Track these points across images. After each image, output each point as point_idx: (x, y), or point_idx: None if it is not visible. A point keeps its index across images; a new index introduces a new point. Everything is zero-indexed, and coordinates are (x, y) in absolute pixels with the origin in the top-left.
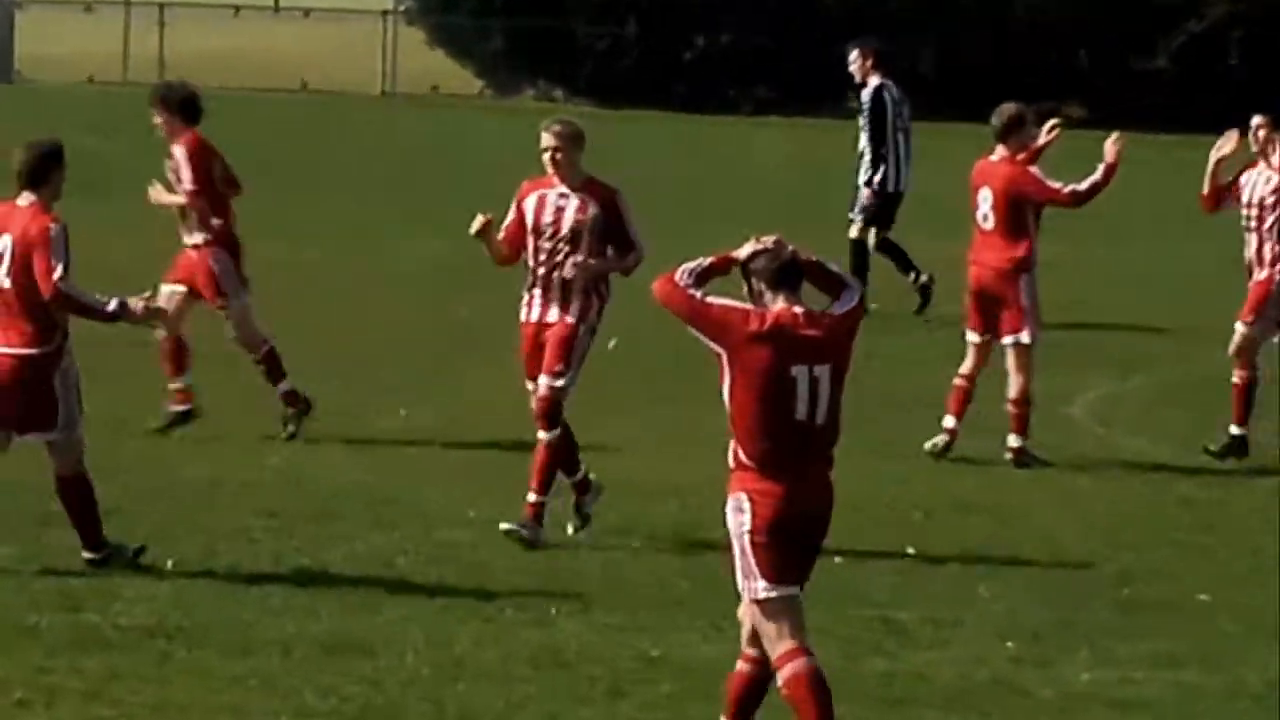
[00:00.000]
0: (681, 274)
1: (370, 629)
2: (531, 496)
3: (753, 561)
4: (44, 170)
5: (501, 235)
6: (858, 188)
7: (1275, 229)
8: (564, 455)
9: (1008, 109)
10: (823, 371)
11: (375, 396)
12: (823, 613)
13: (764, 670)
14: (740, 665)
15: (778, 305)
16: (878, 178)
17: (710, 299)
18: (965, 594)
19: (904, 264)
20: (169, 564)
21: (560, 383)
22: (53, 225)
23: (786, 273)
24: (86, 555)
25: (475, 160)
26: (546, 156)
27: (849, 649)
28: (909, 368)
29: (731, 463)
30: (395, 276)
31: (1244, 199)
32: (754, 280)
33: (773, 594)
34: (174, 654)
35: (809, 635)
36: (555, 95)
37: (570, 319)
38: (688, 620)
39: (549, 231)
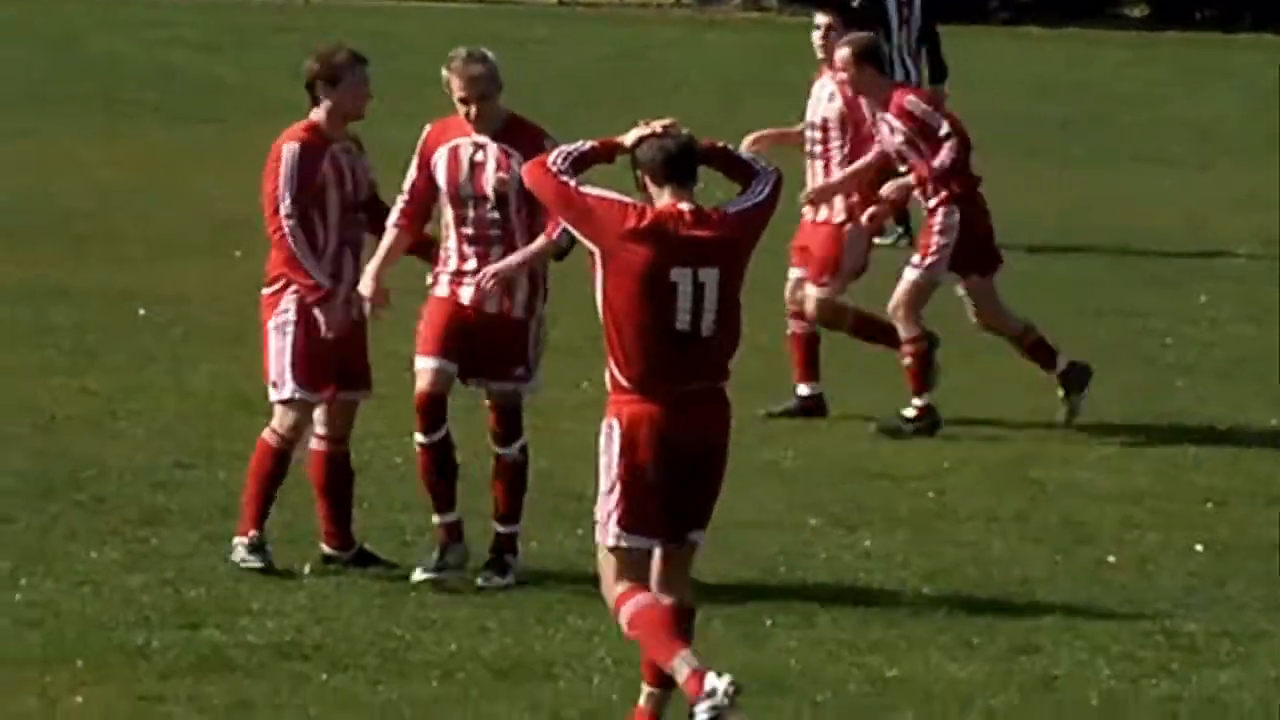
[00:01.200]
0: (556, 157)
1: (549, 647)
2: (499, 528)
3: (613, 502)
4: None
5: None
6: None
7: (844, 157)
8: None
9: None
10: (709, 276)
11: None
12: (1092, 624)
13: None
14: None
15: (664, 200)
16: None
17: (585, 187)
18: (1268, 600)
19: None
20: (305, 569)
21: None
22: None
23: (676, 163)
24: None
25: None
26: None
27: (1125, 668)
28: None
29: (608, 384)
30: None
31: (807, 116)
32: (640, 171)
33: (623, 544)
34: (312, 677)
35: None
36: (768, 4)
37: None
38: (929, 635)
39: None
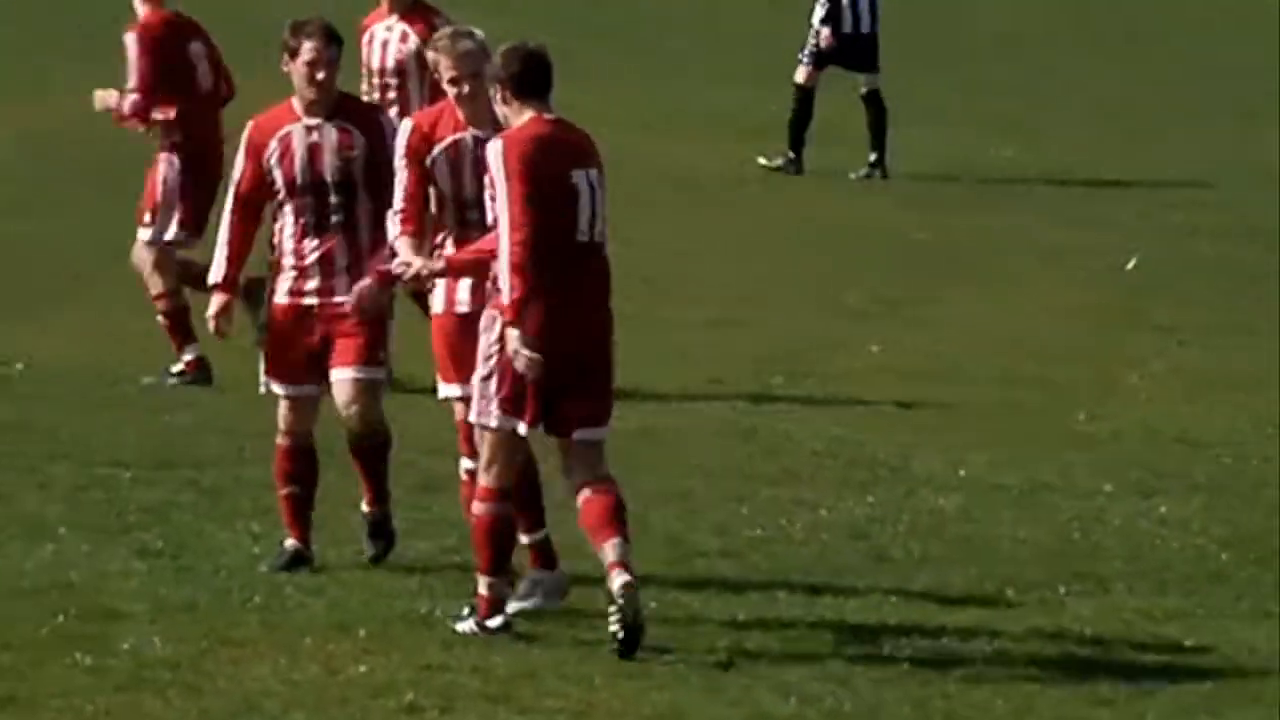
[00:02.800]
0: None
1: (839, 613)
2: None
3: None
4: None
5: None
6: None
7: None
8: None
9: None
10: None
11: (841, 327)
12: None
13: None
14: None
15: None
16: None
17: None
18: None
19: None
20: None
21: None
22: None
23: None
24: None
25: None
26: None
27: None
28: None
29: None
30: None
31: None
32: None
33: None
34: (600, 647)
35: None
36: None
37: None
38: (1227, 603)
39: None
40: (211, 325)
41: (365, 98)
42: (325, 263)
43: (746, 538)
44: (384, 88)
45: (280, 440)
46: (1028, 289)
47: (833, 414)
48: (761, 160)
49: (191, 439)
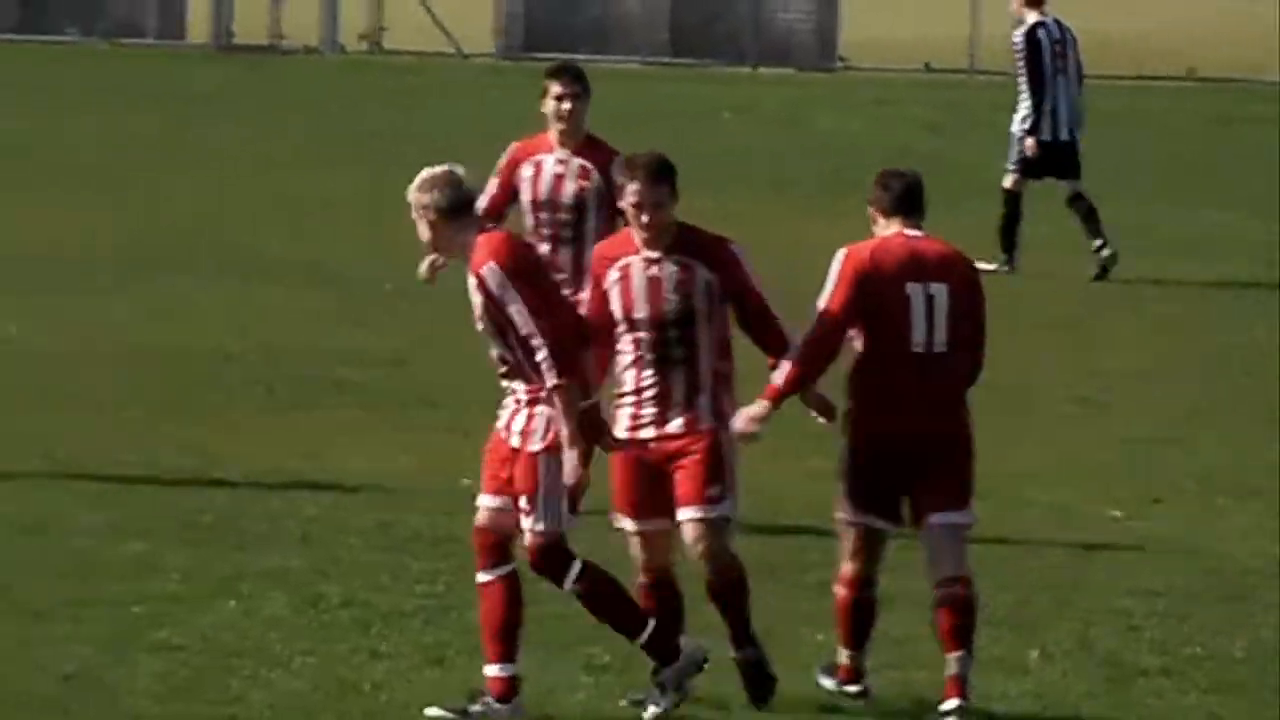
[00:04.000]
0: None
1: None
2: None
3: None
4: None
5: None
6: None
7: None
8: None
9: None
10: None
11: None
12: None
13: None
14: None
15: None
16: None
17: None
18: None
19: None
20: (1032, 655)
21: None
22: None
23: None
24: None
25: None
26: None
27: None
28: None
29: None
30: None
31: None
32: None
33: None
34: None
35: None
36: None
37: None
38: None
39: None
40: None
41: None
42: (662, 396)
43: (1186, 655)
44: (556, 224)
45: (640, 578)
46: None
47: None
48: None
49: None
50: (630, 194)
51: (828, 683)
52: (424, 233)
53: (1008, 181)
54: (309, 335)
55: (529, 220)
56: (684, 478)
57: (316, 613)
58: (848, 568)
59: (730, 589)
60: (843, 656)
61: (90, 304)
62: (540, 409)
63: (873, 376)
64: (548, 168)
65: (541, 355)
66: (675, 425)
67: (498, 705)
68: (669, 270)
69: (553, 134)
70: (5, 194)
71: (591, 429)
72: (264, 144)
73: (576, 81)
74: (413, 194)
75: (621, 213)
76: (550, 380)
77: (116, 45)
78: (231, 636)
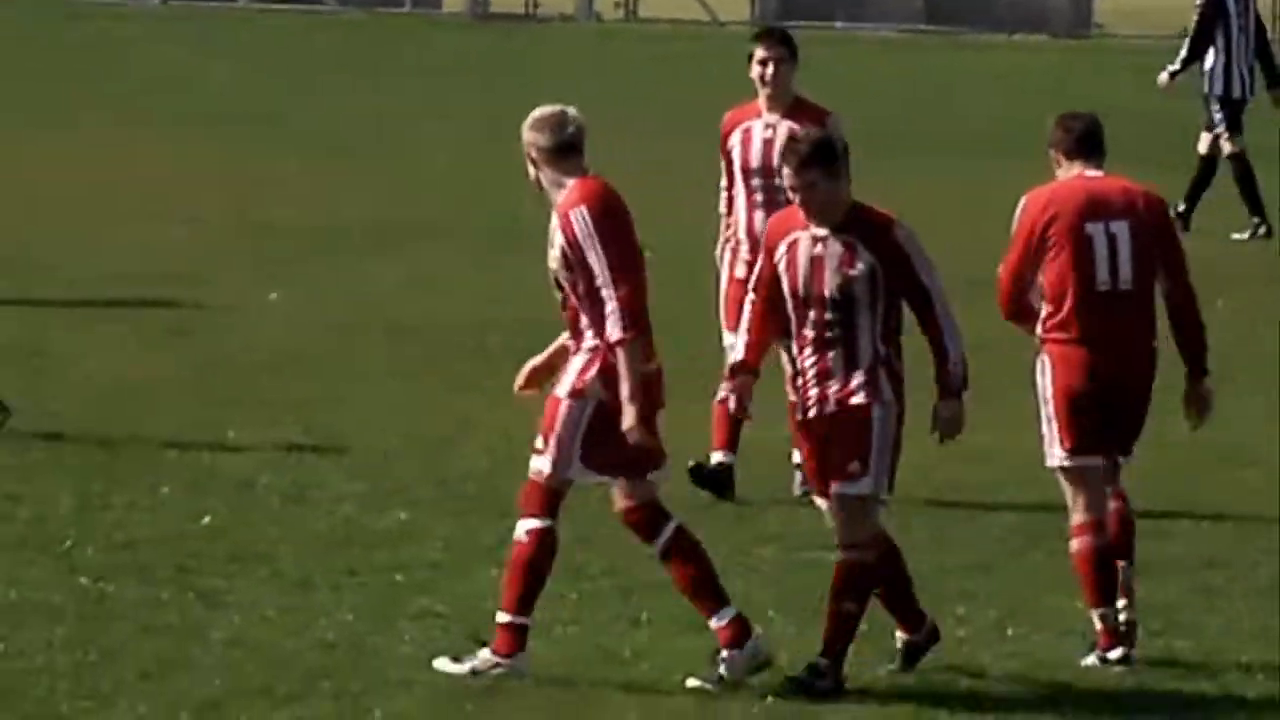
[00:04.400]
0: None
1: None
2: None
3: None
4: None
5: None
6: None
7: None
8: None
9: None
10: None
11: None
12: None
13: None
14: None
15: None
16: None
17: None
18: None
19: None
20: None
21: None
22: None
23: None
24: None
25: None
26: None
27: None
28: None
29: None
30: None
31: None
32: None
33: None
34: None
35: None
36: None
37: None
38: None
39: None
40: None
41: (726, 194)
42: (821, 375)
43: None
44: (770, 189)
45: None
46: None
47: None
48: (1235, 235)
49: None
50: (785, 177)
51: (1090, 660)
52: (530, 171)
53: (1227, 148)
54: None
55: (741, 188)
56: (830, 455)
57: (577, 581)
58: (1078, 517)
59: (859, 570)
60: (1096, 619)
61: (348, 274)
62: (578, 357)
63: (1063, 318)
64: (757, 133)
65: (611, 307)
66: (832, 404)
67: (729, 652)
68: (833, 249)
69: (761, 99)
70: (260, 162)
71: (645, 395)
72: (520, 112)
73: (781, 44)
74: (525, 132)
75: None
76: (615, 334)
77: (374, 13)
78: (493, 604)
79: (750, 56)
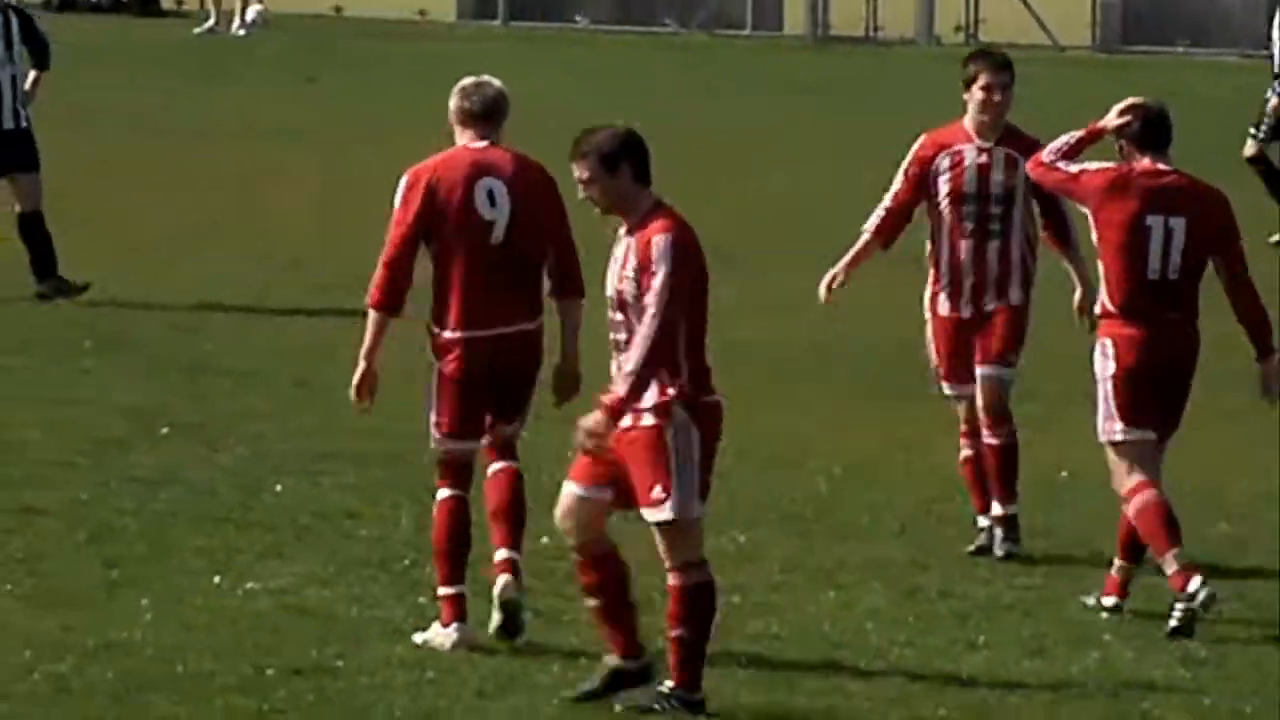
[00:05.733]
0: (1049, 153)
1: None
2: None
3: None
4: None
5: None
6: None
7: None
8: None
9: None
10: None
11: None
12: None
13: None
14: None
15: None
16: None
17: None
18: None
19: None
20: None
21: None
22: None
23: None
24: None
25: None
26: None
27: None
28: None
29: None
30: None
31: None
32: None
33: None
34: None
35: None
36: None
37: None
38: None
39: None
40: None
41: (884, 211)
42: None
43: None
44: (984, 216)
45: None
46: None
47: None
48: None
49: None
50: (982, 78)
51: (1177, 614)
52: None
53: (1249, 149)
54: (904, 327)
55: (947, 214)
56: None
57: (914, 604)
58: (1135, 478)
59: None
60: (1171, 561)
61: None
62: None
63: (1121, 304)
64: (970, 158)
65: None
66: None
67: None
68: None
69: (971, 123)
70: None
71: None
72: (861, 134)
73: (1006, 70)
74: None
75: (1042, 199)
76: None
77: (715, 35)
78: (830, 627)
79: (971, 79)
